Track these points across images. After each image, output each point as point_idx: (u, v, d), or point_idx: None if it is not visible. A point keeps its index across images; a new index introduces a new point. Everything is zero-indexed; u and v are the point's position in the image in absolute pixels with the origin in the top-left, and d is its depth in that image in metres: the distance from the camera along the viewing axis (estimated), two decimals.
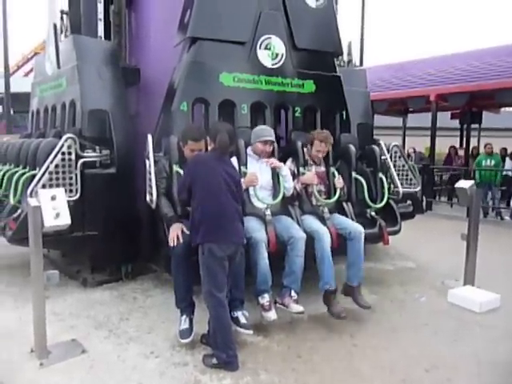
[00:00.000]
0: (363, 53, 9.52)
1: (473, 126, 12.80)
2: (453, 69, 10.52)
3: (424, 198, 8.93)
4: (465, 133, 12.68)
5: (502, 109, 14.48)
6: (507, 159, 10.18)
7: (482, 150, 12.02)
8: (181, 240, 2.98)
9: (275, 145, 3.76)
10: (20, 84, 13.39)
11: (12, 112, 13.85)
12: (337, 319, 3.37)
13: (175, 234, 3.01)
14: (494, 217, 9.23)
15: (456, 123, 12.96)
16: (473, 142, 13.11)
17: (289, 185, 3.62)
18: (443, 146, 12.64)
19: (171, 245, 2.99)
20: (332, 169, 3.96)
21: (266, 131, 3.67)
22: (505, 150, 11.53)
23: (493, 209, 9.46)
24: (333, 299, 3.46)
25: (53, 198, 2.73)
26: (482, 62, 10.26)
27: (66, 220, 2.76)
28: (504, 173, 9.76)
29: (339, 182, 3.84)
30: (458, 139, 13.22)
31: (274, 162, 3.59)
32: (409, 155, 11.14)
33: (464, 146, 12.65)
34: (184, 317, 3.02)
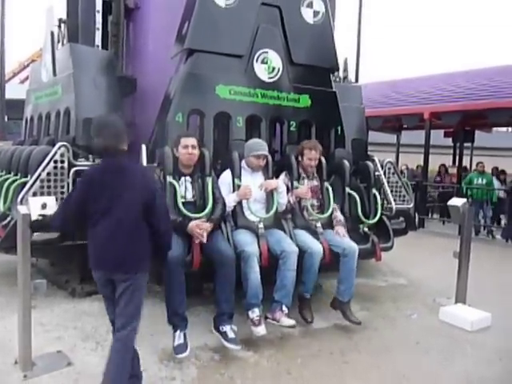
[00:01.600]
0: (359, 69, 9.63)
1: (465, 144, 12.92)
2: (447, 88, 10.66)
3: (417, 215, 8.97)
4: (457, 151, 12.79)
5: (494, 128, 14.66)
6: (494, 179, 10.28)
7: (473, 168, 12.18)
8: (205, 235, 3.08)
9: (269, 158, 3.76)
10: (15, 91, 13.33)
11: (6, 119, 13.77)
12: (306, 323, 3.49)
13: (199, 230, 3.08)
14: (486, 235, 9.27)
15: (448, 141, 13.10)
16: (465, 161, 13.24)
17: (283, 200, 3.63)
18: (435, 163, 12.75)
19: (204, 241, 3.08)
20: (325, 183, 3.96)
21: (259, 145, 3.66)
22: (496, 168, 11.65)
23: (484, 227, 9.52)
24: (306, 305, 3.57)
25: (43, 207, 2.69)
26: (475, 82, 10.41)
27: None
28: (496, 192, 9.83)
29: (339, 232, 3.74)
30: (451, 157, 13.35)
31: (269, 185, 3.58)
32: (402, 172, 11.21)
33: (457, 164, 12.76)
34: (178, 332, 2.95)
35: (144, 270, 2.37)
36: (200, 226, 3.12)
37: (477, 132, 12.49)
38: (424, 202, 10.14)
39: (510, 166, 13.35)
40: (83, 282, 4.27)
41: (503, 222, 9.79)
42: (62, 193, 3.68)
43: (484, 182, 9.57)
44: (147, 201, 2.30)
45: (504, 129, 19.28)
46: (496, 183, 9.95)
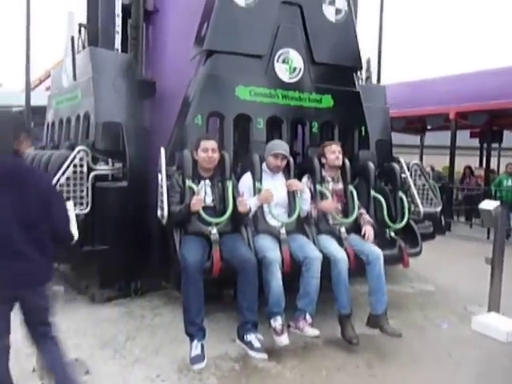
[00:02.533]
0: (380, 69, 9.38)
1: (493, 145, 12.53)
2: (473, 87, 10.32)
3: (443, 218, 8.68)
4: (485, 152, 12.40)
5: None
6: None
7: (502, 170, 11.76)
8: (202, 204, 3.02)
9: (291, 161, 3.65)
10: (41, 97, 13.54)
11: (33, 125, 13.99)
12: (349, 344, 3.21)
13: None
14: None
15: (474, 142, 12.71)
16: (492, 162, 12.83)
17: (306, 207, 3.51)
18: (459, 165, 12.37)
19: (197, 207, 3.01)
20: (350, 187, 3.81)
21: (278, 145, 3.56)
22: None
23: None
24: (347, 323, 3.30)
25: None
26: (503, 80, 10.04)
27: (74, 234, 2.65)
28: None
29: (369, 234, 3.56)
30: (477, 158, 12.96)
31: (295, 184, 3.46)
32: (427, 173, 10.90)
33: (484, 165, 12.37)
34: (195, 342, 2.85)
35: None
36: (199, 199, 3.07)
37: (505, 132, 12.09)
38: (450, 205, 9.83)
39: None
40: (103, 288, 4.23)
41: None
42: (82, 197, 3.66)
43: None
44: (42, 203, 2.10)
45: None
46: None
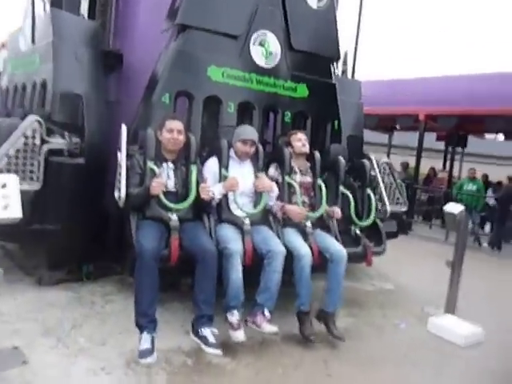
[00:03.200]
0: (355, 65, 9.36)
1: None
2: (444, 90, 10.47)
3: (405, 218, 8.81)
4: (449, 156, 12.70)
5: (486, 136, 14.61)
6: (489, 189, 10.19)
7: (464, 174, 12.10)
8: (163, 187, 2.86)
9: (260, 148, 3.49)
10: None
11: None
12: (306, 341, 3.14)
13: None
14: (473, 242, 9.15)
15: (439, 145, 12.99)
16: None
17: (271, 203, 3.38)
18: (424, 166, 12.62)
19: (157, 191, 2.83)
20: (319, 180, 3.70)
21: (247, 130, 3.41)
22: (486, 176, 11.57)
23: (471, 234, 9.40)
24: (306, 320, 3.21)
25: (3, 186, 2.38)
26: (474, 86, 10.23)
27: (16, 213, 2.40)
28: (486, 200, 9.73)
29: (336, 212, 3.58)
30: (441, 161, 13.25)
31: (263, 185, 3.29)
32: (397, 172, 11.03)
33: (448, 168, 12.67)
34: (145, 335, 2.67)
35: None
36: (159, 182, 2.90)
37: (469, 138, 12.40)
38: (413, 205, 9.99)
39: (497, 173, 13.28)
40: (52, 270, 3.95)
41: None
42: (32, 171, 3.36)
43: (474, 188, 9.46)
44: None
45: (493, 136, 19.28)
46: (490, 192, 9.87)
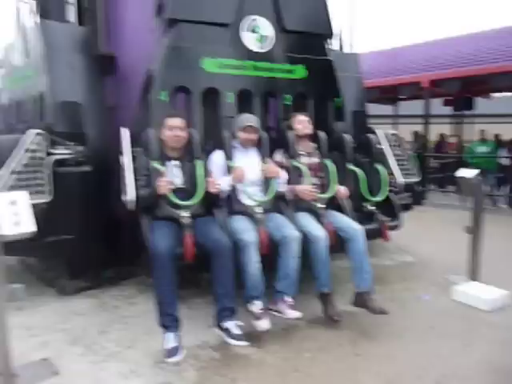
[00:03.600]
0: (353, 38, 9.22)
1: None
2: (445, 54, 10.25)
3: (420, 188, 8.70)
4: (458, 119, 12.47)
5: (495, 95, 14.27)
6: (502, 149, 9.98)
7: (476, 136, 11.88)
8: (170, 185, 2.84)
9: (265, 135, 3.46)
10: None
11: None
12: (332, 322, 3.12)
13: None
14: (491, 205, 9.02)
15: (446, 110, 12.73)
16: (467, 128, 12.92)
17: (282, 189, 3.34)
18: (432, 133, 12.40)
19: (164, 190, 2.82)
20: (326, 160, 3.65)
21: (245, 118, 3.38)
22: (497, 136, 11.34)
23: (488, 196, 9.25)
24: (328, 301, 3.19)
25: (12, 203, 2.39)
26: (475, 46, 9.99)
27: (28, 227, 2.41)
28: (498, 160, 9.55)
29: (344, 192, 3.53)
30: (448, 126, 13.02)
31: (270, 171, 3.26)
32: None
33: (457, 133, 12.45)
34: (170, 334, 2.68)
35: None
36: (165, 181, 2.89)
37: (477, 99, 12.14)
38: (425, 174, 9.85)
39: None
40: (73, 278, 4.01)
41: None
42: (41, 185, 3.37)
43: (486, 149, 9.29)
44: None
45: (501, 95, 18.83)
46: (502, 151, 9.65)
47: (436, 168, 11.65)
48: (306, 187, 3.36)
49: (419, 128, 11.05)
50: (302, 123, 3.54)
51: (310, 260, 3.16)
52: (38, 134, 3.34)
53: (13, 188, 3.18)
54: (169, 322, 2.71)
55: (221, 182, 3.12)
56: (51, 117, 3.68)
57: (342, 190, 3.51)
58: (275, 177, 3.25)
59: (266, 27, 3.80)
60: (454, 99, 11.82)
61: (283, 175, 3.34)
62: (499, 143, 10.48)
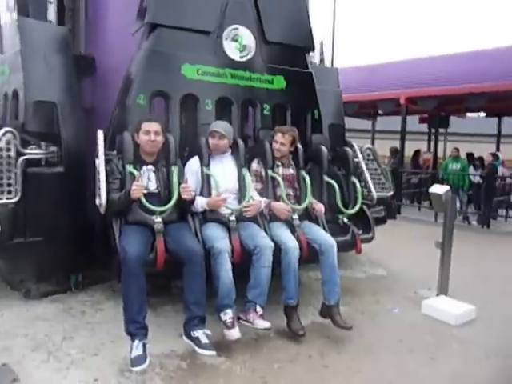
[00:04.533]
0: (334, 53, 9.38)
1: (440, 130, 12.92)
2: (423, 72, 10.52)
3: (394, 202, 8.84)
4: (432, 137, 12.78)
5: (469, 114, 14.73)
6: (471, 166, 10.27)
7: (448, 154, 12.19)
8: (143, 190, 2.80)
9: (241, 143, 3.46)
10: None
11: None
12: (296, 337, 3.10)
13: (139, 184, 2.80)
14: (461, 221, 9.23)
15: (422, 127, 13.06)
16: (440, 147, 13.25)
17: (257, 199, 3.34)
18: (409, 150, 12.66)
19: (137, 194, 2.76)
20: (302, 172, 3.67)
21: (215, 123, 3.39)
22: (471, 154, 11.64)
23: (459, 213, 9.47)
24: (293, 315, 3.18)
25: None
26: (452, 66, 10.29)
27: None
28: (471, 178, 9.80)
29: (319, 208, 3.53)
30: (426, 143, 13.33)
31: (251, 210, 3.22)
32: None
33: (432, 149, 12.75)
34: (136, 342, 2.61)
35: None
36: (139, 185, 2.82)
37: (451, 118, 12.48)
38: (400, 189, 10.04)
39: (483, 151, 13.41)
40: (39, 282, 3.89)
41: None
42: (10, 184, 3.28)
43: (459, 167, 9.53)
44: None
45: (475, 115, 19.44)
46: (471, 169, 9.91)
47: (411, 183, 11.89)
48: (281, 205, 3.37)
49: (396, 143, 11.26)
50: (277, 143, 3.52)
51: (281, 270, 3.16)
52: (7, 132, 3.26)
53: None
54: (136, 329, 2.65)
55: (197, 200, 3.11)
56: (24, 115, 3.58)
57: (318, 207, 3.52)
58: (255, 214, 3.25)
59: (247, 37, 3.82)
60: (429, 117, 12.12)
61: (263, 206, 3.34)
62: (472, 161, 10.76)
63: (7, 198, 3.23)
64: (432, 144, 12.87)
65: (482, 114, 14.58)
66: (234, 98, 3.78)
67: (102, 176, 2.95)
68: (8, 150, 3.25)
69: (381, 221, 4.69)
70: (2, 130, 3.22)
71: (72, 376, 2.58)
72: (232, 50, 3.75)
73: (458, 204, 9.41)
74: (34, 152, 3.43)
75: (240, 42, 3.77)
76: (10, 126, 3.39)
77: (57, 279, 3.90)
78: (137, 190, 2.78)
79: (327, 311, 3.25)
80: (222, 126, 3.35)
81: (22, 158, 3.32)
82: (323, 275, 3.27)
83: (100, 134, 3.14)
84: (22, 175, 3.32)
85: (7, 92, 3.87)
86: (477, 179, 9.47)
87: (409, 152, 12.03)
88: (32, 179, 3.41)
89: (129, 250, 2.66)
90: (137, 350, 2.58)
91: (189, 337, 2.77)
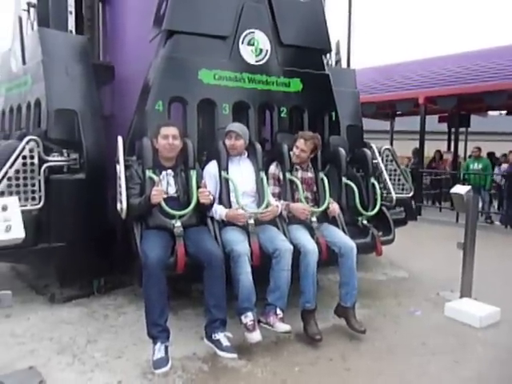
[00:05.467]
0: (350, 54, 9.30)
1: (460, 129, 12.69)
2: (441, 71, 10.37)
3: (414, 203, 8.72)
4: (453, 137, 12.56)
5: (490, 113, 14.43)
6: (496, 166, 10.07)
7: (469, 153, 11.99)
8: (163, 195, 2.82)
9: (258, 146, 3.47)
10: None
11: None
12: (313, 341, 3.08)
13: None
14: (484, 221, 9.05)
15: (442, 127, 12.85)
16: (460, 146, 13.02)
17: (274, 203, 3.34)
18: (429, 150, 12.49)
19: (157, 199, 2.79)
20: (321, 174, 3.66)
21: (231, 124, 3.42)
22: (492, 154, 11.42)
23: (482, 213, 9.29)
24: (310, 319, 3.16)
25: (3, 209, 2.37)
26: (471, 64, 10.12)
27: (19, 233, 2.40)
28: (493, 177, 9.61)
29: (333, 208, 3.51)
30: (446, 143, 13.12)
31: (268, 216, 3.24)
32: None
33: (452, 149, 12.54)
34: (158, 345, 2.65)
35: None
36: (159, 190, 2.86)
37: (472, 117, 12.26)
38: (420, 190, 9.90)
39: (505, 150, 13.13)
40: (63, 287, 3.97)
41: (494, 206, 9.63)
42: (34, 191, 3.37)
43: (480, 167, 9.35)
44: None
45: (497, 113, 19.07)
46: (497, 169, 9.73)
47: (431, 184, 11.72)
48: (300, 205, 3.37)
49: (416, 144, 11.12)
50: (298, 149, 3.51)
51: (299, 274, 3.16)
52: (30, 140, 3.35)
53: (4, 194, 3.18)
54: (157, 332, 2.69)
55: (215, 209, 3.15)
56: (47, 124, 3.67)
57: (332, 207, 3.51)
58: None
59: (263, 40, 3.84)
60: (448, 116, 11.93)
61: (280, 210, 3.34)
62: (494, 160, 10.55)
63: (31, 205, 3.32)
64: (452, 144, 12.64)
65: (504, 112, 14.30)
66: (251, 102, 3.80)
67: (123, 181, 3.00)
68: (32, 157, 3.33)
69: (401, 222, 4.64)
70: (26, 139, 3.31)
71: (96, 378, 2.62)
72: (248, 54, 3.78)
73: (480, 204, 9.25)
74: (56, 159, 3.52)
75: (256, 46, 3.80)
76: (33, 134, 3.49)
77: (80, 284, 3.97)
78: (157, 195, 2.82)
79: (343, 312, 3.27)
80: (237, 126, 3.38)
81: (45, 166, 3.41)
82: (342, 277, 3.27)
83: (120, 141, 3.20)
84: (45, 182, 3.41)
85: (30, 101, 3.97)
86: (499, 179, 9.28)
87: (428, 152, 11.86)
88: (55, 186, 3.49)
89: (150, 254, 2.70)
90: (159, 352, 2.61)
91: (210, 339, 2.79)
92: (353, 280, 3.24)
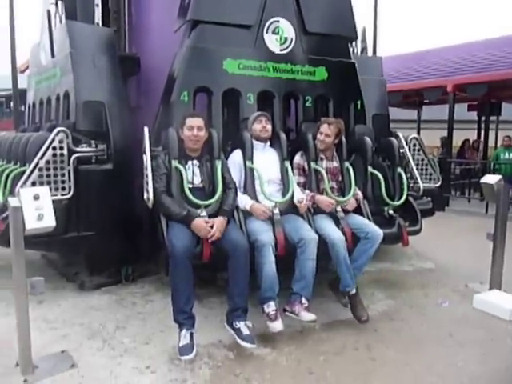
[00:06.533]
0: (376, 41, 9.13)
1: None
2: (471, 58, 10.05)
3: (442, 194, 8.53)
4: (483, 125, 12.19)
5: None
6: None
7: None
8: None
9: (283, 136, 3.46)
10: None
11: (24, 108, 13.60)
12: (359, 323, 3.13)
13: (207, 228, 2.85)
14: None
15: (471, 115, 12.49)
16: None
17: (300, 196, 3.33)
18: (457, 139, 12.15)
19: (216, 236, 2.83)
20: (346, 163, 3.63)
21: (257, 112, 3.46)
22: None
23: None
24: (354, 301, 3.20)
25: (36, 198, 2.46)
26: (501, 50, 9.77)
27: (50, 222, 2.48)
28: None
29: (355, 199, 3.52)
30: (475, 132, 12.75)
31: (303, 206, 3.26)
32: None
33: (482, 138, 12.18)
34: (184, 332, 2.71)
35: None
36: (209, 223, 2.86)
37: (503, 105, 11.86)
38: (448, 180, 9.67)
39: None
40: (92, 275, 4.08)
41: None
42: (63, 181, 3.45)
43: (511, 156, 9.07)
44: None
45: None
46: None
47: (461, 174, 11.42)
48: (325, 198, 3.36)
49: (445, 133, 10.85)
50: (322, 135, 3.48)
51: (333, 263, 3.16)
52: (60, 131, 3.43)
53: (35, 184, 3.28)
54: (183, 319, 2.74)
55: (240, 199, 3.19)
56: (75, 115, 3.75)
57: (356, 195, 3.51)
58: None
59: (288, 29, 3.80)
60: (478, 104, 11.57)
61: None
62: None
63: (61, 195, 3.40)
64: (482, 133, 12.28)
65: None
66: (276, 91, 3.78)
67: (149, 172, 3.04)
68: (61, 148, 3.41)
69: (428, 213, 4.56)
70: (56, 130, 3.39)
71: (125, 363, 2.69)
72: (273, 43, 3.75)
73: (511, 194, 8.96)
74: (84, 150, 3.60)
75: (281, 35, 3.77)
76: (63, 126, 3.57)
77: (109, 272, 4.07)
78: (203, 231, 2.87)
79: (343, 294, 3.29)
80: (264, 113, 3.42)
81: (74, 156, 3.49)
82: (356, 258, 3.25)
83: (146, 131, 3.24)
84: (74, 172, 3.50)
85: (59, 93, 4.06)
86: None
87: (457, 142, 11.55)
88: (83, 176, 3.58)
89: (176, 243, 2.74)
90: (184, 339, 2.67)
91: (231, 326, 2.83)
92: (365, 265, 3.31)
